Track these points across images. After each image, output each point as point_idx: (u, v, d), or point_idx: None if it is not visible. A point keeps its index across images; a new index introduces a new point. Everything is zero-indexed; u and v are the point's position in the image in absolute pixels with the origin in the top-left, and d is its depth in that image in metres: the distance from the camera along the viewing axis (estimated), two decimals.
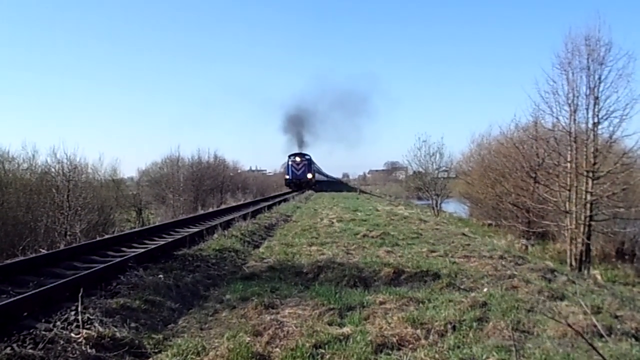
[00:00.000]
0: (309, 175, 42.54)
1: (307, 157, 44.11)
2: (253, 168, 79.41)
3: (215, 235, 9.74)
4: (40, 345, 3.70)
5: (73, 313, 4.42)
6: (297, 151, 48.47)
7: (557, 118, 17.45)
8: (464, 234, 12.73)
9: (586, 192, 15.86)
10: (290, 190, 40.10)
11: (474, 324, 4.51)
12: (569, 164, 16.69)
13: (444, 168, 36.09)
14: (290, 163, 42.98)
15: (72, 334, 3.98)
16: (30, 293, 4.85)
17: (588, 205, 15.87)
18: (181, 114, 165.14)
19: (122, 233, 10.86)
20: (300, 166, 42.47)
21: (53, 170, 19.79)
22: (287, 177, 42.94)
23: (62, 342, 3.84)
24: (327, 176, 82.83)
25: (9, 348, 3.60)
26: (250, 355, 3.81)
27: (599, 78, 15.94)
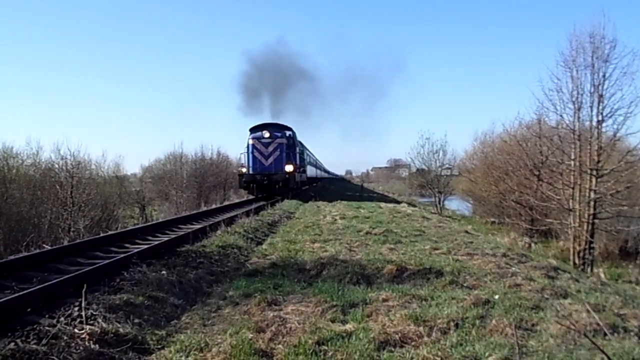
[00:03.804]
0: (288, 168, 21.73)
1: (286, 132, 23.44)
2: None
3: (219, 232, 9.75)
4: (44, 341, 3.71)
5: (77, 309, 4.43)
6: (267, 121, 24.40)
7: (561, 116, 17.46)
8: (466, 232, 12.71)
9: (590, 190, 15.84)
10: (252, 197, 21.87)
11: (477, 322, 4.50)
12: (572, 162, 16.66)
13: (447, 165, 36.09)
14: (251, 143, 21.99)
15: (76, 330, 3.99)
16: (33, 289, 4.87)
17: (592, 203, 15.86)
18: (184, 112, 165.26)
19: (126, 229, 10.89)
20: (270, 149, 21.95)
21: (57, 166, 19.91)
22: (244, 170, 22.14)
23: (65, 337, 3.85)
24: (328, 172, 78.53)
25: (12, 343, 3.61)
26: (253, 351, 3.82)
27: (604, 75, 15.94)
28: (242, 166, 22.73)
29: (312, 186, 38.99)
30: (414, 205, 26.92)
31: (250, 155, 21.99)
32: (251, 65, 63.07)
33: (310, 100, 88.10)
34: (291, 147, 23.39)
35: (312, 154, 39.24)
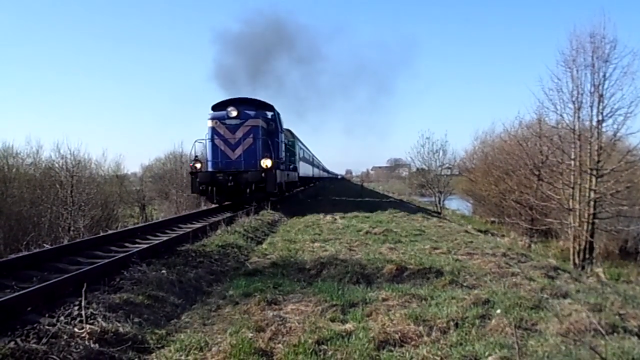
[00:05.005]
0: (266, 162, 15.25)
1: (266, 113, 17.56)
2: None
3: (218, 231, 9.75)
4: (44, 340, 3.71)
5: (76, 308, 4.43)
6: (238, 96, 17.49)
7: (561, 115, 17.50)
8: (466, 231, 12.71)
9: (590, 189, 15.86)
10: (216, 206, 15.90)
11: (477, 321, 4.50)
12: (572, 162, 16.68)
13: (447, 165, 36.05)
14: (211, 126, 15.77)
15: (76, 329, 3.99)
16: (33, 288, 4.86)
17: (592, 203, 15.87)
18: (184, 111, 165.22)
19: (126, 229, 10.89)
20: (239, 135, 15.64)
21: (57, 165, 19.91)
22: (199, 167, 15.78)
23: (65, 337, 3.85)
24: (328, 172, 76.62)
25: (12, 342, 3.61)
26: (252, 351, 3.82)
27: (604, 75, 15.97)
28: (196, 160, 15.82)
29: (309, 187, 35.25)
30: (413, 205, 26.89)
31: (210, 144, 15.58)
32: (229, 45, 53.00)
33: (310, 93, 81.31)
34: (272, 134, 16.88)
35: (307, 148, 32.79)
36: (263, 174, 14.98)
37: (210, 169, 15.59)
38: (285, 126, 21.26)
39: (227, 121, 15.51)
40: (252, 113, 15.95)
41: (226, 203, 15.74)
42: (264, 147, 15.67)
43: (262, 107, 17.35)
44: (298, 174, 24.42)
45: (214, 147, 15.62)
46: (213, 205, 15.94)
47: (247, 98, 17.40)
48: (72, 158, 19.88)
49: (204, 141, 16.04)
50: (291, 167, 22.05)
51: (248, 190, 14.88)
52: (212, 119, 15.77)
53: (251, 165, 15.30)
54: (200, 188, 15.26)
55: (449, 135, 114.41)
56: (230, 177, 14.88)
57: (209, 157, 15.81)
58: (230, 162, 15.46)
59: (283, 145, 18.93)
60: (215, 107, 16.81)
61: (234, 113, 15.42)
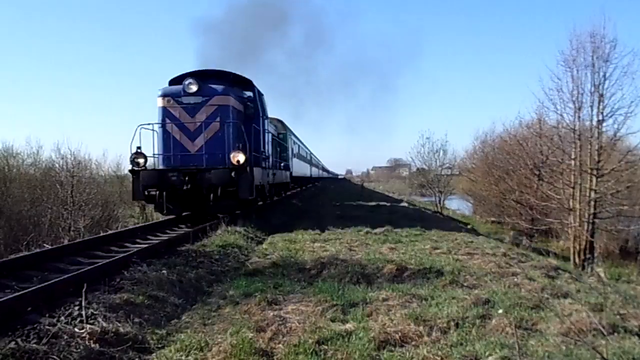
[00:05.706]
0: (237, 158, 10.62)
1: (239, 91, 12.56)
2: None
3: (219, 231, 9.74)
4: (44, 340, 3.71)
5: (77, 308, 4.43)
6: (205, 68, 12.75)
7: (561, 115, 17.54)
8: (467, 231, 12.70)
9: (590, 189, 15.87)
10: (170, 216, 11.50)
11: (477, 321, 4.50)
12: (573, 162, 16.70)
13: (447, 165, 36.01)
14: (162, 107, 11.06)
15: (76, 329, 4.00)
16: (34, 288, 4.86)
17: (592, 203, 15.89)
18: None
19: (126, 229, 10.88)
20: (200, 118, 10.94)
21: (57, 165, 19.87)
22: (142, 162, 11.01)
23: (65, 337, 3.85)
24: (328, 171, 75.37)
25: (13, 342, 3.61)
26: (253, 351, 3.82)
27: (604, 75, 16.01)
28: (138, 153, 11.17)
29: (307, 188, 32.11)
30: (414, 205, 26.91)
31: (160, 131, 11.30)
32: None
33: (310, 91, 77.26)
34: (250, 119, 12.58)
35: (303, 143, 28.25)
36: (233, 174, 10.66)
37: (160, 166, 11.48)
38: (279, 118, 18.53)
39: (185, 99, 11.09)
40: (219, 88, 11.38)
41: (185, 214, 11.77)
42: (235, 135, 11.31)
43: (236, 82, 12.83)
44: (290, 173, 20.50)
45: (166, 135, 11.23)
46: (163, 217, 11.68)
47: (215, 70, 12.93)
48: (72, 158, 19.87)
49: (150, 127, 11.31)
50: (281, 165, 18.13)
51: (211, 195, 10.61)
52: (163, 95, 11.25)
53: (217, 160, 11.08)
54: (145, 193, 11.02)
55: (449, 135, 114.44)
56: (187, 178, 10.60)
57: (159, 149, 11.44)
58: (188, 157, 11.15)
59: (268, 135, 14.37)
60: (172, 82, 12.35)
61: (194, 88, 11.00)
